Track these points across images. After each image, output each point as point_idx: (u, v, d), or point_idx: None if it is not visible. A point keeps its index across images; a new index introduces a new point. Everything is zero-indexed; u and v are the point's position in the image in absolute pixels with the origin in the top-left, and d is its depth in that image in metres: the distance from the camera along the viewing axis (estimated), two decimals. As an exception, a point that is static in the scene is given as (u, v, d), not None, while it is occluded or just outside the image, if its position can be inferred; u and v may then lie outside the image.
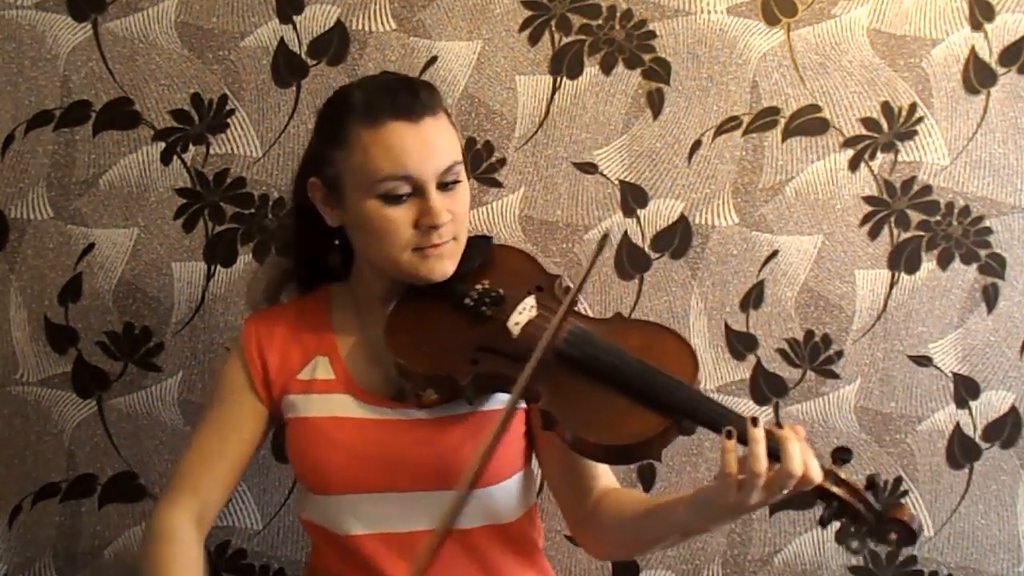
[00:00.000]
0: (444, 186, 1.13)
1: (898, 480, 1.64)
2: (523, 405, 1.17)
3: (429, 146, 1.10)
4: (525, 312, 1.13)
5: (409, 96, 1.11)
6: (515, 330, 1.12)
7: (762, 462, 0.93)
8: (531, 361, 1.05)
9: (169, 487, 1.21)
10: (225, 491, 1.21)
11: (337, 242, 1.22)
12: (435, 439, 1.13)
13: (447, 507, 1.05)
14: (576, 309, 1.18)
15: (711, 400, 1.03)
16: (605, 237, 1.22)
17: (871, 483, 0.98)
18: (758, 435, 0.94)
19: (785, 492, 0.95)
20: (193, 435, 1.23)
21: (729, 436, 0.96)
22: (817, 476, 0.94)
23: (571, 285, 1.18)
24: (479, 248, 1.21)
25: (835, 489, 0.97)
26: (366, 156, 1.10)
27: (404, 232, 1.11)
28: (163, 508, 1.18)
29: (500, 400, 1.15)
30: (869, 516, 0.96)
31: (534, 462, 1.28)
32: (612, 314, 1.20)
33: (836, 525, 0.99)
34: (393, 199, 1.11)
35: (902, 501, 0.98)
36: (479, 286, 1.16)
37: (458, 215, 1.14)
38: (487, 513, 1.18)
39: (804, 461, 0.93)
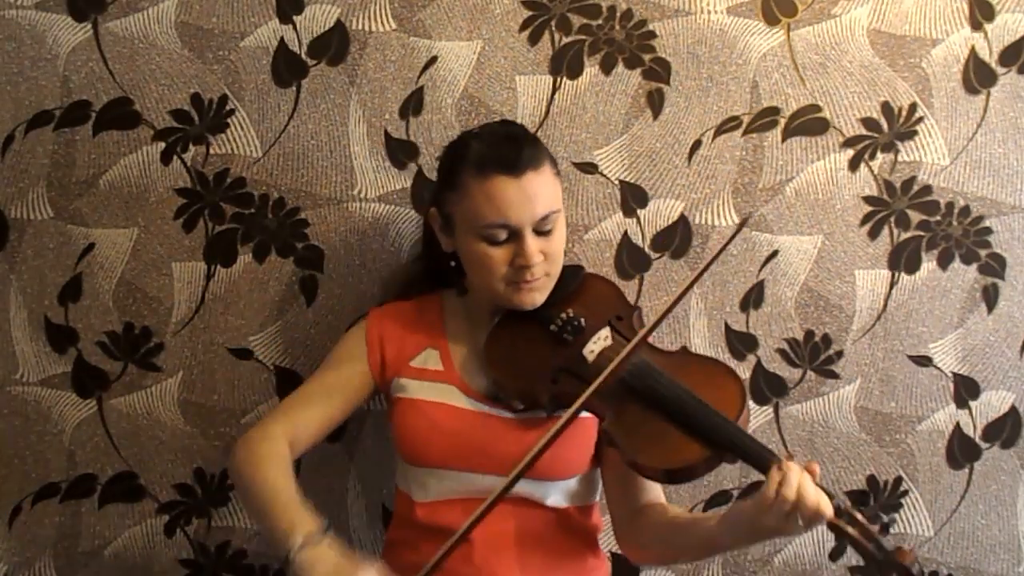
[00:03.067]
0: (541, 232, 1.27)
1: (898, 480, 1.64)
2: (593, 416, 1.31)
3: (528, 198, 1.25)
4: (600, 342, 1.30)
5: (514, 153, 1.26)
6: (590, 357, 1.29)
7: (793, 489, 1.07)
8: (594, 384, 1.19)
9: (266, 417, 1.36)
10: (315, 434, 1.35)
11: (453, 263, 1.38)
12: (517, 436, 1.28)
13: (498, 488, 1.21)
14: (648, 341, 1.31)
15: (750, 438, 1.16)
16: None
17: (884, 527, 1.11)
18: (794, 466, 1.09)
19: (800, 523, 1.08)
20: (301, 387, 1.39)
21: (779, 469, 1.09)
22: (828, 511, 1.07)
23: (645, 320, 1.34)
24: (571, 277, 1.37)
25: (850, 529, 1.08)
26: (473, 203, 1.26)
27: (500, 268, 1.28)
28: (265, 421, 1.34)
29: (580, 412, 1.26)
30: (878, 556, 1.07)
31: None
32: (679, 347, 1.34)
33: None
34: (493, 242, 1.27)
35: (908, 547, 1.08)
36: (564, 315, 1.33)
37: (552, 255, 1.30)
38: (541, 498, 1.31)
39: (816, 495, 1.07)
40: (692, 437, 1.15)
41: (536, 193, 1.26)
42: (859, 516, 1.09)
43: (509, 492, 1.21)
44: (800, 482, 1.07)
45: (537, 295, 1.30)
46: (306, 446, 1.35)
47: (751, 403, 1.63)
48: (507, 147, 1.27)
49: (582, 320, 1.32)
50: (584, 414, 1.26)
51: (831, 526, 1.09)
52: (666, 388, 1.20)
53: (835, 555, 1.08)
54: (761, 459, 1.13)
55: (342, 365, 1.38)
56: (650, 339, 1.34)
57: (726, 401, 1.18)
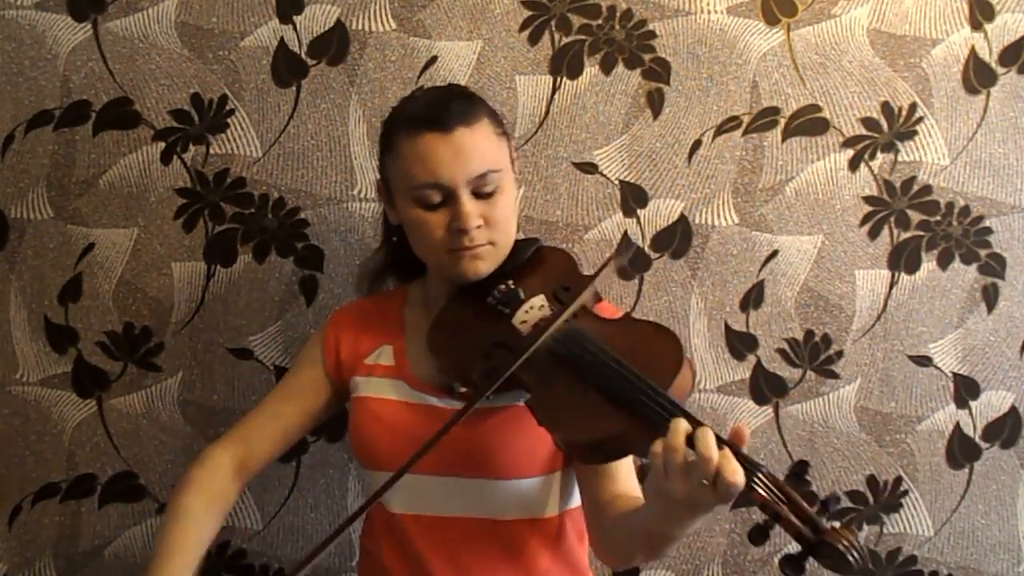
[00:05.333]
0: (481, 195, 1.18)
1: (898, 480, 1.64)
2: None
3: (458, 154, 1.16)
4: (533, 311, 1.19)
5: (442, 108, 1.17)
6: (522, 328, 1.17)
7: (679, 449, 0.95)
8: (525, 354, 1.08)
9: (224, 436, 1.32)
10: (272, 448, 1.31)
11: (396, 239, 1.31)
12: (468, 428, 1.16)
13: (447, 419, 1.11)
14: (591, 310, 1.21)
15: (667, 402, 1.01)
16: (624, 243, 1.37)
17: (826, 502, 0.94)
18: (677, 426, 0.96)
19: (706, 483, 0.94)
20: (262, 399, 1.35)
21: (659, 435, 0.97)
22: (733, 472, 0.92)
23: (604, 296, 1.22)
24: (522, 250, 1.26)
25: (777, 506, 0.94)
26: (405, 164, 1.18)
27: (437, 234, 1.18)
28: (211, 446, 1.30)
29: None
30: (810, 537, 0.93)
31: None
32: (623, 315, 1.22)
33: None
34: (427, 205, 1.18)
35: (848, 528, 0.94)
36: (503, 286, 1.22)
37: (496, 221, 1.19)
38: (520, 506, 1.23)
39: (716, 450, 0.93)
40: (614, 405, 1.03)
41: (469, 149, 1.16)
42: (788, 489, 0.95)
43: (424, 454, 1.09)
44: (700, 438, 0.94)
45: (480, 264, 1.19)
46: (264, 459, 1.31)
47: (751, 403, 1.63)
48: (437, 104, 1.19)
49: (520, 291, 1.21)
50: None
51: (758, 502, 0.95)
52: (590, 354, 1.08)
53: (753, 537, 0.93)
54: (658, 423, 0.98)
55: (299, 372, 1.34)
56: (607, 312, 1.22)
57: (659, 367, 1.04)
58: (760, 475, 0.95)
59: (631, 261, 1.43)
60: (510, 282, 1.22)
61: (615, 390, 1.04)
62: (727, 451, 0.94)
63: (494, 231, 1.19)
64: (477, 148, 1.17)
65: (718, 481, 0.93)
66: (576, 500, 1.29)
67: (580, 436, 1.06)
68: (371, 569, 1.31)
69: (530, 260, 1.27)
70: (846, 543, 0.91)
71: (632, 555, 1.17)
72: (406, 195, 1.19)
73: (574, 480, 1.28)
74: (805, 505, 0.94)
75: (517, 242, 1.25)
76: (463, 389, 1.20)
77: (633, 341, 1.10)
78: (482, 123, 1.19)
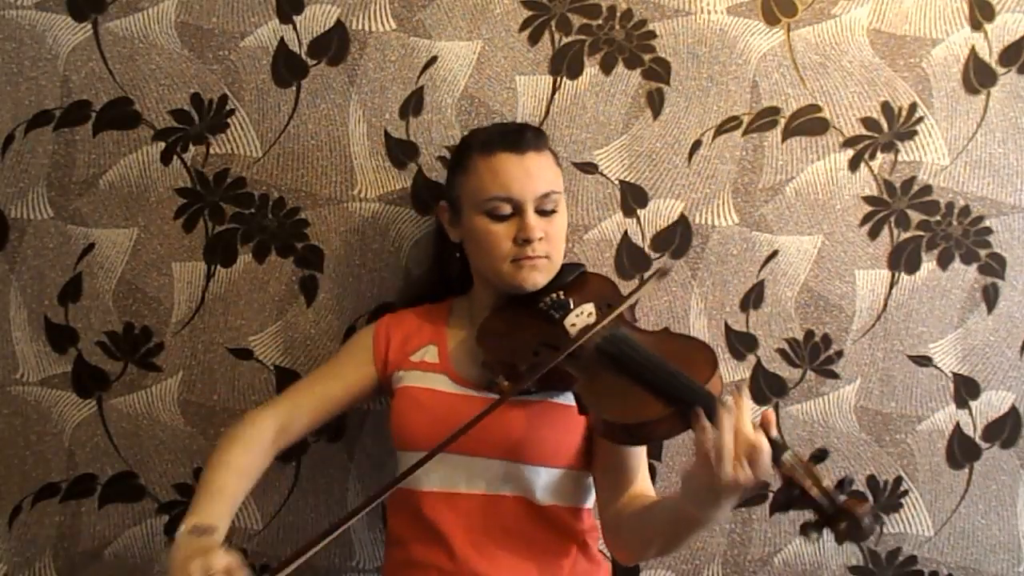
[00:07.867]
0: (543, 212, 1.34)
1: (898, 480, 1.64)
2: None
3: (529, 174, 1.32)
4: (583, 316, 1.33)
5: (517, 134, 1.35)
6: (571, 330, 1.31)
7: (728, 431, 1.08)
8: (567, 349, 1.22)
9: (269, 401, 1.42)
10: (311, 422, 1.41)
11: (459, 255, 1.45)
12: (503, 416, 1.27)
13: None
14: (631, 322, 1.33)
15: (716, 398, 1.13)
16: (662, 269, 1.59)
17: (841, 482, 1.07)
18: (726, 412, 1.09)
19: (745, 468, 1.07)
20: (308, 374, 1.48)
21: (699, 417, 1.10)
22: (763, 444, 1.06)
23: (637, 314, 1.36)
24: (570, 272, 1.41)
25: (800, 478, 1.07)
26: (479, 179, 1.34)
27: (504, 244, 1.33)
28: (257, 408, 1.40)
29: (568, 397, 1.31)
30: (827, 508, 1.05)
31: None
32: (661, 328, 1.38)
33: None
34: (497, 217, 1.33)
35: (864, 498, 1.07)
36: (554, 294, 1.36)
37: (552, 237, 1.35)
38: (523, 488, 1.33)
39: (749, 430, 1.07)
40: (656, 395, 1.17)
41: (538, 171, 1.33)
42: (813, 467, 1.07)
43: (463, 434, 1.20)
44: (737, 419, 1.07)
45: (538, 275, 1.34)
46: (302, 431, 1.40)
47: (751, 403, 1.62)
48: (512, 129, 1.37)
49: (570, 300, 1.35)
50: (566, 400, 1.31)
51: (785, 478, 1.08)
52: (636, 352, 1.23)
53: (782, 506, 1.05)
54: (702, 405, 1.12)
55: (348, 357, 1.44)
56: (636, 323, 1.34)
57: (695, 367, 1.20)
58: (789, 453, 1.08)
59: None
60: (560, 292, 1.36)
61: (656, 383, 1.18)
62: (761, 433, 1.08)
63: (551, 245, 1.34)
64: (544, 170, 1.34)
65: (756, 459, 1.06)
66: (584, 501, 1.39)
67: (621, 419, 1.18)
68: (395, 550, 1.40)
69: (575, 280, 1.41)
70: (860, 511, 1.03)
71: (648, 546, 1.26)
72: (477, 208, 1.33)
73: (590, 484, 1.38)
74: (826, 481, 1.06)
75: (564, 265, 1.39)
76: (505, 383, 1.29)
77: (672, 347, 1.26)
78: (547, 153, 1.37)
